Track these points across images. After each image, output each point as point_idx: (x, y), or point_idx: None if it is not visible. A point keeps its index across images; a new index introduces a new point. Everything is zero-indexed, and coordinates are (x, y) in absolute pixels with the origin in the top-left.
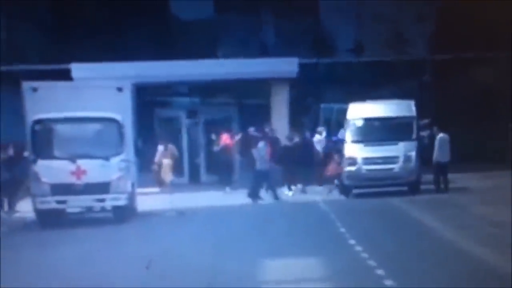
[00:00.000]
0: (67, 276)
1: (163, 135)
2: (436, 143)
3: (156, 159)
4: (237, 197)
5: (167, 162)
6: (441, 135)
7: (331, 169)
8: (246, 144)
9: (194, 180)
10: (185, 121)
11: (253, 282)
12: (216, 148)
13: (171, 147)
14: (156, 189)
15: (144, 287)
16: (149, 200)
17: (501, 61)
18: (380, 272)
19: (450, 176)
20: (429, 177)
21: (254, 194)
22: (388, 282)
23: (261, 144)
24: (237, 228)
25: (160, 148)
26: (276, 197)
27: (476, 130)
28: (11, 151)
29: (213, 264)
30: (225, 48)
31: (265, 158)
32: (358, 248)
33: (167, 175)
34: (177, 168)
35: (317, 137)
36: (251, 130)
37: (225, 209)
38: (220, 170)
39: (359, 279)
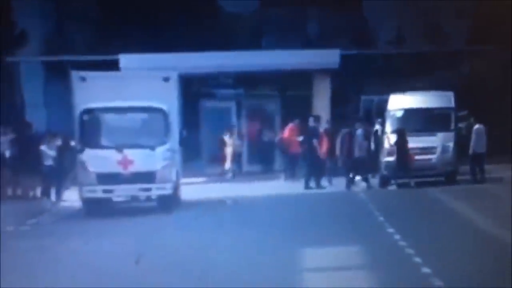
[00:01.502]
0: (109, 265)
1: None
2: (473, 134)
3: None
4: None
5: (228, 150)
6: (477, 126)
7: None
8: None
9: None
10: (233, 111)
11: (294, 269)
12: (277, 139)
13: (234, 137)
14: (201, 179)
15: (187, 275)
16: (194, 189)
17: None
18: (417, 260)
19: (486, 167)
20: (466, 168)
21: (348, 183)
22: (425, 270)
23: (360, 131)
24: (277, 217)
25: (225, 136)
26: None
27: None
28: (59, 141)
29: (255, 252)
30: (269, 40)
31: (363, 145)
32: (397, 237)
33: (226, 164)
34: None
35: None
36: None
37: (268, 198)
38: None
39: (397, 267)
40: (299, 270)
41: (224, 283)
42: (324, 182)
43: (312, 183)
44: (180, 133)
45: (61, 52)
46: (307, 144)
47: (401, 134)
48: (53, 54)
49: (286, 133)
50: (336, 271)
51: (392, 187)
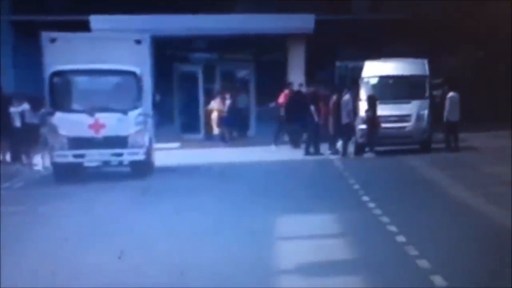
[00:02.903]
0: (83, 230)
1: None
2: (447, 102)
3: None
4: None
5: (214, 114)
6: (451, 94)
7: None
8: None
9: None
10: (201, 76)
11: (267, 237)
12: (271, 105)
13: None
14: (175, 144)
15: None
16: (165, 155)
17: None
18: (392, 228)
19: (461, 135)
20: (440, 136)
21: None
22: (399, 238)
23: (347, 97)
24: (249, 184)
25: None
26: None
27: (487, 90)
28: (25, 104)
29: (226, 219)
30: (243, 4)
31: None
32: (372, 205)
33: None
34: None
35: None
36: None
37: (238, 165)
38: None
39: (372, 235)
40: (272, 238)
41: (194, 251)
42: (324, 148)
43: (311, 149)
44: (153, 98)
45: (31, 12)
46: (304, 110)
47: (371, 101)
48: (23, 14)
49: (281, 98)
50: (309, 240)
51: (368, 155)
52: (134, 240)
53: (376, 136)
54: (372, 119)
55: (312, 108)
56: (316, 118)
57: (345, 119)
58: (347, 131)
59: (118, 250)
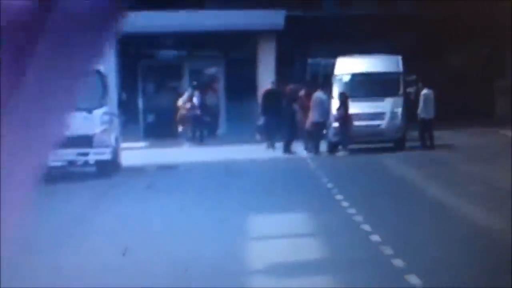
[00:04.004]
0: (47, 231)
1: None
2: (421, 99)
3: (179, 103)
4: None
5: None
6: (425, 91)
7: None
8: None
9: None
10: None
11: (240, 236)
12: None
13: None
14: (140, 144)
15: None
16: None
17: (488, 17)
18: (366, 227)
19: (436, 133)
20: (415, 133)
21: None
22: (374, 238)
23: (320, 93)
24: (220, 183)
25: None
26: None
27: (462, 87)
28: None
29: (197, 219)
30: (212, 0)
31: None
32: (345, 203)
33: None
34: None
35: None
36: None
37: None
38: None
39: (346, 234)
40: (245, 238)
41: (165, 251)
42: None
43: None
44: (119, 96)
45: None
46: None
47: (343, 98)
48: None
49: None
50: (283, 239)
51: (341, 153)
52: (102, 240)
53: (348, 134)
54: (344, 117)
55: (296, 106)
56: (298, 117)
57: (317, 118)
58: (319, 130)
59: (85, 252)
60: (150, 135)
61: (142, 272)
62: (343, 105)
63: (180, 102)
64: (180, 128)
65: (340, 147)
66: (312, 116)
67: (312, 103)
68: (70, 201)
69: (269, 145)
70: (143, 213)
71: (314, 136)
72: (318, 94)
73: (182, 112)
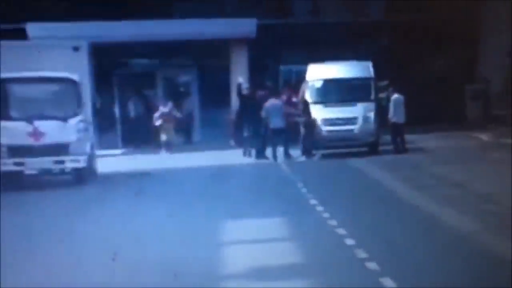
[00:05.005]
0: (25, 238)
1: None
2: (391, 104)
3: (156, 119)
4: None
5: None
6: (395, 96)
7: None
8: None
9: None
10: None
11: (212, 242)
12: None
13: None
14: (116, 151)
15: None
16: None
17: (458, 23)
18: (341, 231)
19: (409, 137)
20: (388, 138)
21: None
22: (349, 241)
23: (275, 100)
24: (196, 189)
25: (162, 108)
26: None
27: (433, 91)
28: None
29: (172, 225)
30: (182, 8)
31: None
32: (320, 208)
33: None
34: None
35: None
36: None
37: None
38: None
39: (320, 238)
40: (220, 243)
41: (139, 257)
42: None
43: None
44: (94, 105)
45: None
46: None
47: (305, 104)
48: None
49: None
50: (257, 243)
51: (301, 158)
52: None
53: (313, 139)
54: (308, 122)
55: (292, 111)
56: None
57: (276, 124)
58: (278, 136)
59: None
60: (127, 143)
61: (128, 277)
62: (305, 111)
63: (160, 110)
64: (163, 137)
65: (313, 151)
66: (271, 123)
67: (266, 111)
68: (46, 208)
69: (246, 151)
70: (120, 218)
71: (274, 142)
72: (273, 101)
73: (160, 121)
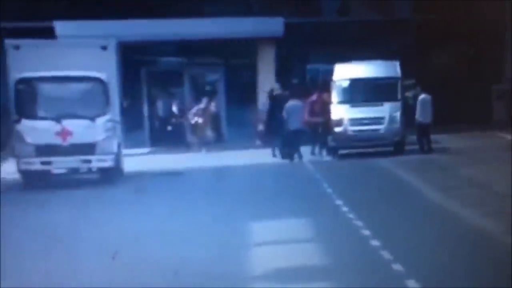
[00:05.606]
0: (50, 237)
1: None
2: (418, 103)
3: (192, 116)
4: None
5: (201, 119)
6: (423, 95)
7: None
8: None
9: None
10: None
11: (239, 243)
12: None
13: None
14: (143, 150)
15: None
16: (137, 161)
17: (485, 22)
18: (366, 232)
19: (434, 137)
20: (413, 137)
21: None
22: (374, 243)
23: (295, 101)
24: (221, 188)
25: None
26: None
27: (460, 91)
28: None
29: (199, 225)
30: (211, 7)
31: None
32: (345, 208)
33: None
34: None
35: None
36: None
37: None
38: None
39: (346, 239)
40: (246, 244)
41: (166, 258)
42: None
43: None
44: (121, 104)
45: None
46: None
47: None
48: None
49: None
50: (283, 244)
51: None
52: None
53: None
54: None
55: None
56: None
57: (294, 126)
58: (297, 137)
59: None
60: (155, 141)
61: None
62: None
63: (195, 109)
64: (195, 136)
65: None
66: (290, 124)
67: (286, 111)
68: (72, 208)
69: (274, 151)
70: (142, 217)
71: (292, 143)
72: (294, 102)
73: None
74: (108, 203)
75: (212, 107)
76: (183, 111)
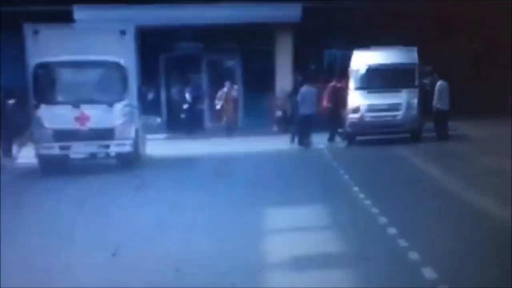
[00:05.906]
0: (68, 222)
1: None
2: (436, 90)
3: (218, 100)
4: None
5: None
6: (440, 82)
7: None
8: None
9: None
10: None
11: (257, 230)
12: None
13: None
14: (161, 135)
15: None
16: (155, 146)
17: (503, 10)
18: (383, 219)
19: (451, 124)
20: (430, 124)
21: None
22: (391, 230)
23: (309, 87)
24: (238, 175)
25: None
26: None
27: (477, 78)
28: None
29: (217, 212)
30: None
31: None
32: (362, 195)
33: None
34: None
35: None
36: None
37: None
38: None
39: (362, 226)
40: (262, 231)
41: (181, 244)
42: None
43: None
44: (139, 89)
45: (13, 3)
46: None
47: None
48: (4, 5)
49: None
50: (299, 232)
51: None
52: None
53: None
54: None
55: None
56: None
57: (305, 111)
58: (307, 123)
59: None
60: (172, 127)
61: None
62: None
63: (220, 92)
64: (220, 121)
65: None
66: (301, 109)
67: (300, 96)
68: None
69: (293, 137)
70: (157, 203)
71: (303, 129)
72: (308, 88)
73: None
74: (125, 189)
75: (234, 91)
76: (197, 97)
